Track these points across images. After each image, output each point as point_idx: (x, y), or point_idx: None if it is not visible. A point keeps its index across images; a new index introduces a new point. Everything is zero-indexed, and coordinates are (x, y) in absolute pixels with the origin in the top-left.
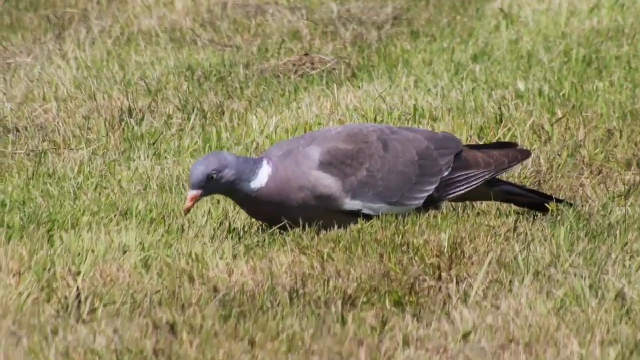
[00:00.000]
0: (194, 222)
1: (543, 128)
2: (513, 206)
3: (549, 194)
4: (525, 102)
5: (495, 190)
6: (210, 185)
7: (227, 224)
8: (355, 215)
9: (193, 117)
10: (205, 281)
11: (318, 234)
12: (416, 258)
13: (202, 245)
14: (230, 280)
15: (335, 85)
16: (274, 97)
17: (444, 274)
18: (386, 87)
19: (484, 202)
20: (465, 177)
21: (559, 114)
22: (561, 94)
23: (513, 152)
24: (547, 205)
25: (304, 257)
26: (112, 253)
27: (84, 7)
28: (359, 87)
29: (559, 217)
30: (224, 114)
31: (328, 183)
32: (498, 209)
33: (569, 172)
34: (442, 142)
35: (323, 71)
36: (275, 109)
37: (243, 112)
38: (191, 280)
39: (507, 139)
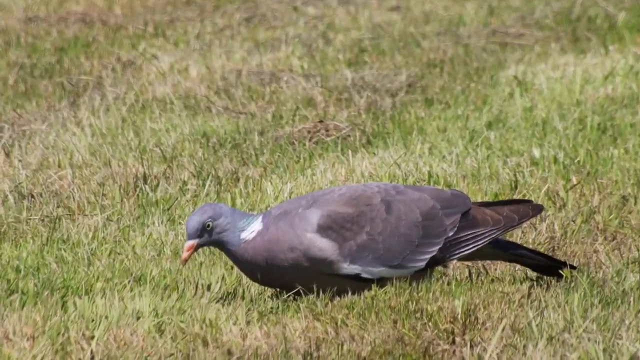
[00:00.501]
0: (207, 288)
1: (558, 194)
2: (528, 271)
3: (562, 259)
4: (540, 169)
5: (501, 252)
6: (205, 234)
7: (241, 290)
8: (353, 278)
9: (208, 183)
10: (219, 345)
11: (332, 300)
12: (430, 324)
13: (216, 311)
14: (244, 344)
15: (349, 151)
16: (289, 164)
17: (457, 339)
18: (401, 154)
19: (497, 269)
20: (472, 236)
21: (574, 181)
22: (576, 160)
23: (524, 207)
24: (560, 270)
25: (317, 323)
26: (125, 318)
27: (99, 74)
28: (374, 154)
29: (573, 284)
30: (238, 180)
31: (323, 246)
32: (512, 274)
33: (583, 238)
34: (449, 201)
35: (337, 138)
36: (290, 175)
37: (258, 178)
38: (205, 344)
39: None
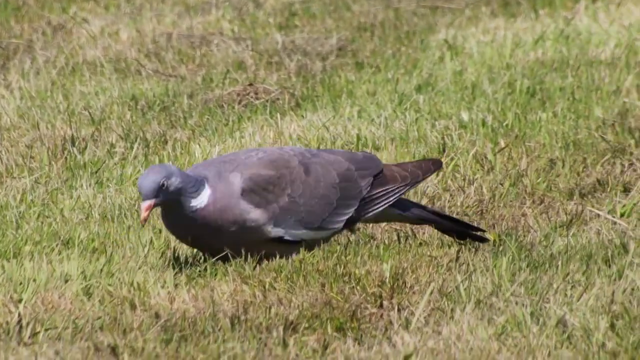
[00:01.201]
0: (135, 252)
1: (486, 157)
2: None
3: (470, 223)
4: (468, 132)
5: (407, 214)
6: (161, 193)
7: (169, 254)
8: (277, 241)
9: (136, 146)
10: (146, 308)
11: (260, 264)
12: (358, 287)
13: (144, 274)
14: (172, 307)
15: (278, 114)
16: (218, 127)
17: (385, 302)
18: (330, 117)
19: (425, 232)
20: (382, 193)
21: (502, 144)
22: (504, 124)
23: (425, 163)
24: (470, 233)
25: (245, 286)
26: (53, 282)
27: (29, 38)
28: (303, 117)
29: (501, 247)
30: (166, 143)
31: (255, 217)
32: (440, 239)
33: (511, 201)
34: (362, 163)
35: (267, 101)
36: (219, 138)
37: (186, 141)
38: (132, 307)
39: (450, 168)
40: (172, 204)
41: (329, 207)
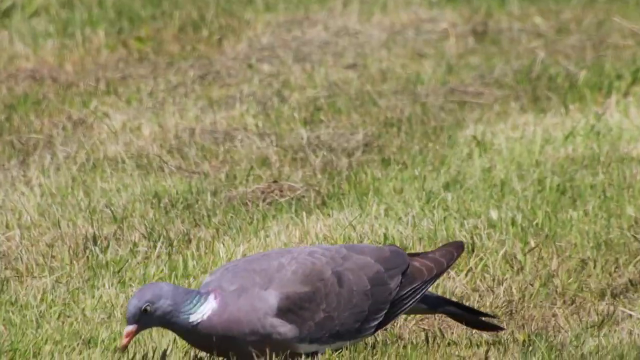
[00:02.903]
0: (158, 352)
1: (515, 257)
2: (484, 334)
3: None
4: (497, 232)
5: (432, 309)
6: (144, 319)
7: (193, 353)
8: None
9: (159, 245)
10: None
11: None
12: None
13: None
14: None
15: (304, 213)
16: (242, 225)
17: None
18: (356, 215)
19: (454, 332)
20: (411, 292)
21: (532, 244)
22: (534, 223)
23: (447, 249)
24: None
25: None
26: None
27: (49, 133)
28: (329, 215)
29: (530, 348)
30: (190, 242)
31: (283, 331)
32: (469, 338)
33: (541, 302)
34: (390, 261)
35: (292, 198)
36: (243, 237)
37: (210, 240)
38: None
39: (479, 268)
40: (169, 327)
41: (361, 315)
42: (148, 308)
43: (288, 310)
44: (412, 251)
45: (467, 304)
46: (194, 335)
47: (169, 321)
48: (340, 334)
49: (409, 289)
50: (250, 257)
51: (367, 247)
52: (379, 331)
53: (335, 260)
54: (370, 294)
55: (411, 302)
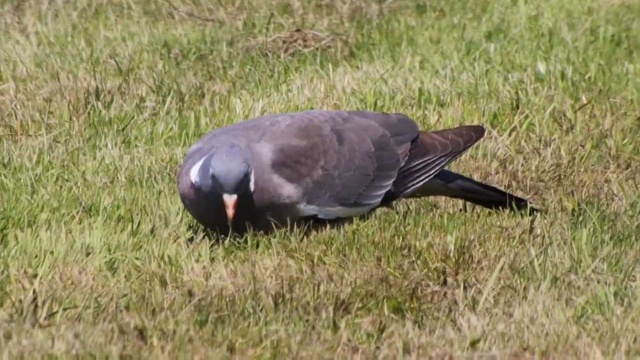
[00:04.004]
0: (166, 221)
1: (565, 115)
2: (529, 205)
3: (518, 195)
4: (545, 86)
5: (451, 185)
6: (243, 186)
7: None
8: (310, 220)
9: (169, 100)
10: (178, 285)
11: (307, 236)
12: (418, 262)
13: (176, 246)
14: (207, 284)
15: (330, 65)
16: (261, 78)
17: (449, 279)
18: (388, 68)
19: None
20: (423, 164)
21: (583, 100)
22: (586, 77)
23: (467, 130)
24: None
25: (291, 260)
26: (73, 254)
27: None
28: (357, 68)
29: (581, 218)
30: (203, 96)
31: (288, 192)
32: (512, 207)
33: (592, 165)
34: (397, 127)
35: (317, 49)
36: (262, 92)
37: (225, 94)
38: (163, 283)
39: (524, 127)
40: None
41: (365, 179)
42: (249, 171)
43: (282, 164)
44: (451, 107)
45: (510, 168)
46: (248, 202)
47: (245, 188)
48: (342, 197)
49: (420, 161)
50: (244, 121)
51: (371, 113)
52: (390, 207)
53: (334, 120)
54: (374, 158)
55: (424, 176)
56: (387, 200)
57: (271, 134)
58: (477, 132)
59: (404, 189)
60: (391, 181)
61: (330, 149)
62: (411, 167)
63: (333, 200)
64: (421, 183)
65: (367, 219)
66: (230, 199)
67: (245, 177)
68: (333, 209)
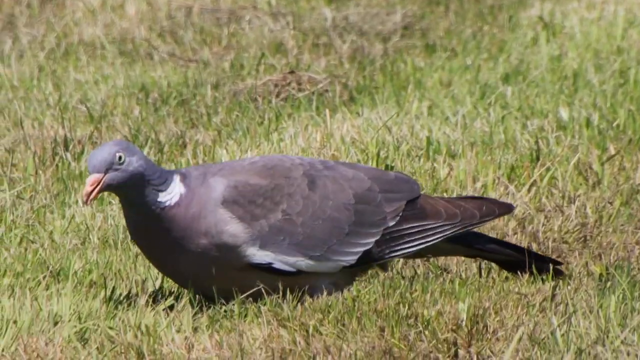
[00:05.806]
0: (144, 287)
1: (591, 168)
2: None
3: (544, 254)
4: (568, 135)
5: (465, 248)
6: (113, 171)
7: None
8: (263, 270)
9: (146, 150)
10: (157, 357)
11: (301, 303)
12: (426, 332)
13: (155, 315)
14: (190, 356)
15: (327, 110)
16: (250, 126)
17: (461, 352)
18: (392, 114)
19: None
20: (419, 229)
21: (611, 150)
22: (614, 124)
23: (489, 203)
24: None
25: (283, 330)
26: (39, 324)
27: (10, 12)
28: (358, 114)
29: (609, 283)
30: (185, 146)
31: (233, 231)
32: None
33: (622, 225)
34: (391, 185)
35: (312, 93)
36: (251, 141)
37: (210, 144)
38: (140, 356)
39: (545, 181)
40: (133, 194)
41: (337, 231)
42: (122, 156)
43: (234, 201)
44: (463, 159)
45: (530, 228)
46: (156, 221)
47: (135, 187)
48: (305, 247)
49: (416, 224)
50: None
51: (365, 166)
52: (384, 267)
53: (313, 166)
54: (353, 211)
55: (420, 242)
56: (369, 261)
57: (230, 169)
58: (502, 208)
59: (390, 252)
60: (372, 239)
61: (296, 194)
62: (403, 229)
63: (293, 249)
64: (415, 249)
65: (342, 279)
66: (90, 177)
67: (113, 157)
68: (292, 259)
